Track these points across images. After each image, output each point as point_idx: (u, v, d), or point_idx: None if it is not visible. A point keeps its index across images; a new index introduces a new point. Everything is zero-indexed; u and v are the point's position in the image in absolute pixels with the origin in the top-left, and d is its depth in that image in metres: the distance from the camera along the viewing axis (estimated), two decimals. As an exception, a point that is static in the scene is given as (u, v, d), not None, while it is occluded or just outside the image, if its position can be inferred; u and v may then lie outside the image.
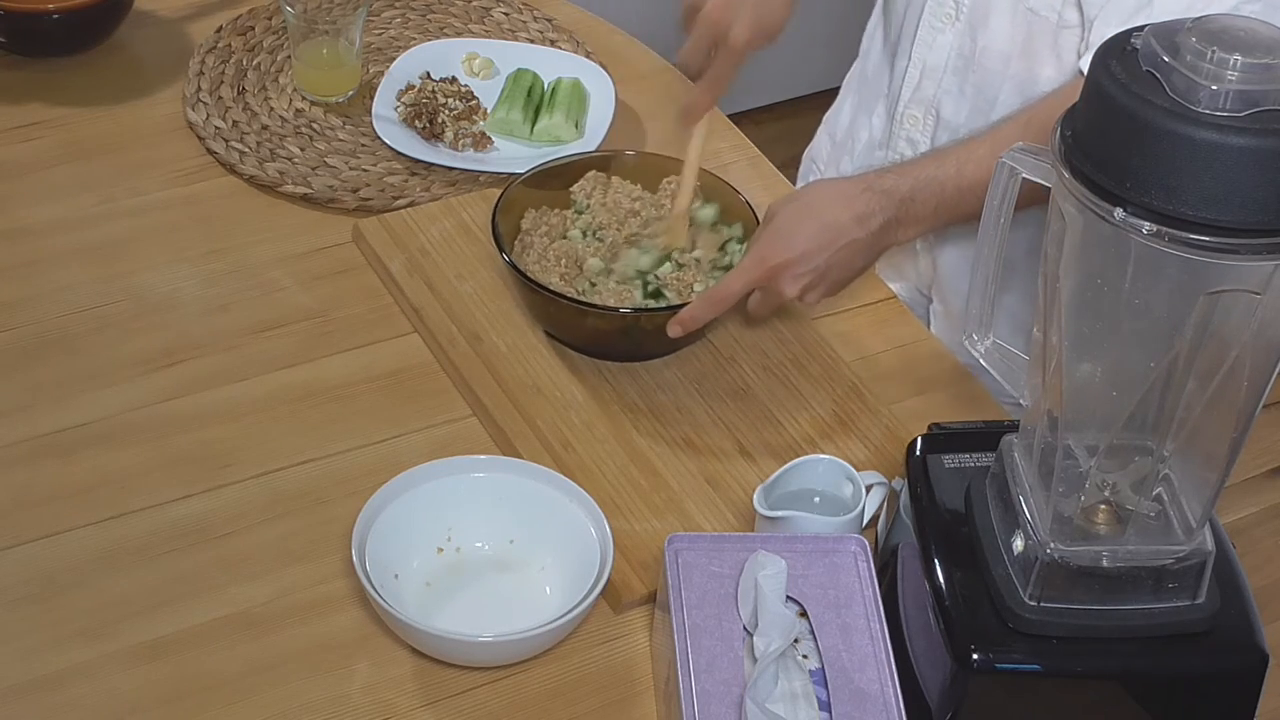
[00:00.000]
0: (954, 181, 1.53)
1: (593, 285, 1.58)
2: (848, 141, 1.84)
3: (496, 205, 1.61)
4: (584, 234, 1.62)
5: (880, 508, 1.45)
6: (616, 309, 1.54)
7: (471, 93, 1.88)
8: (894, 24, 1.76)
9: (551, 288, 1.55)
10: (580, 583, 1.35)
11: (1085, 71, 1.47)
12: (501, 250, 1.57)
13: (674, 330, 1.52)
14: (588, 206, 1.65)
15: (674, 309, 1.52)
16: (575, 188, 1.66)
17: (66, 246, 1.70)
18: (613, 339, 1.57)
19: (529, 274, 1.56)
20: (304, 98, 1.89)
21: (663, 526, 1.44)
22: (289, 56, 1.91)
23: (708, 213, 1.65)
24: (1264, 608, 1.27)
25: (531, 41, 1.99)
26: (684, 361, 1.60)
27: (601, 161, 1.69)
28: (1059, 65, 1.59)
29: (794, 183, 1.91)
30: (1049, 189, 1.19)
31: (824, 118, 1.93)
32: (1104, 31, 1.50)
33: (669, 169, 1.68)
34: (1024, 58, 1.61)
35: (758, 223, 1.60)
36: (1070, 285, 1.17)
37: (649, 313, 1.54)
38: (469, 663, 1.35)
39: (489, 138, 1.84)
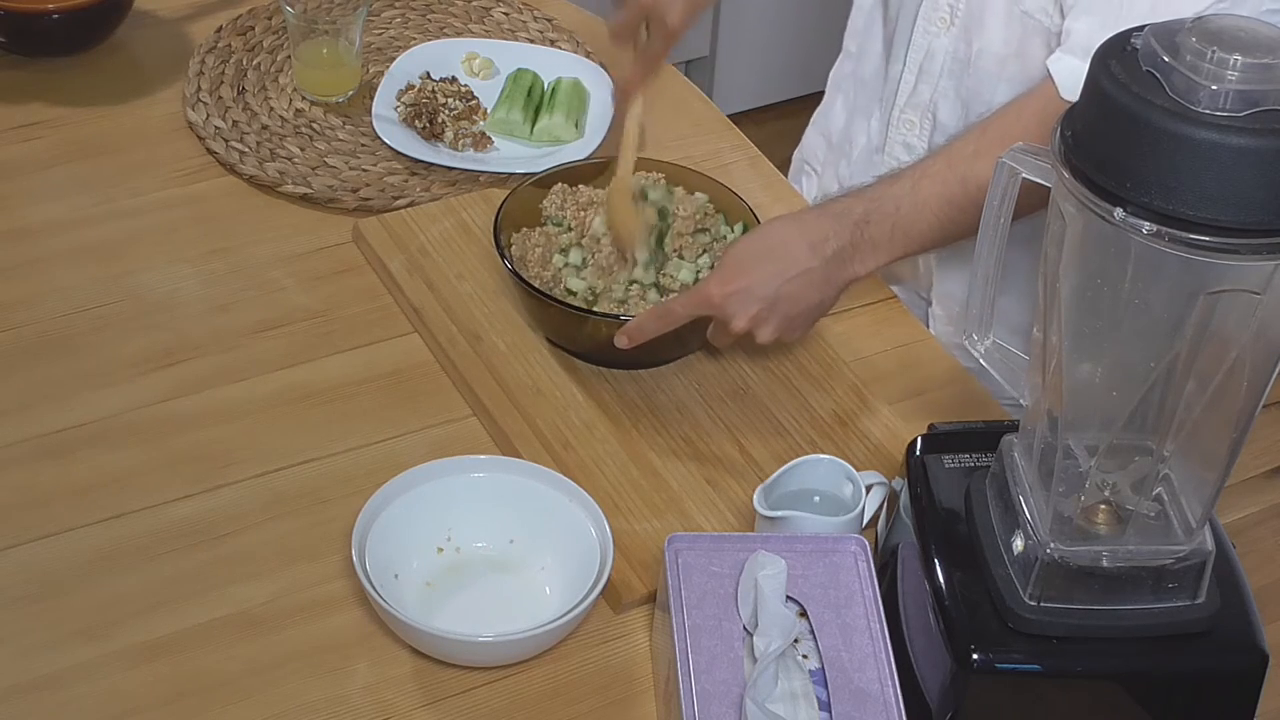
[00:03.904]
0: (909, 199, 1.50)
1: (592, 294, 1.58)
2: (844, 144, 1.84)
3: (499, 213, 1.61)
4: (582, 262, 1.60)
5: (880, 508, 1.45)
6: (618, 316, 1.54)
7: (471, 93, 1.88)
8: (888, 26, 1.75)
9: (553, 295, 1.54)
10: (580, 583, 1.35)
11: (1051, 69, 1.48)
12: (504, 257, 1.57)
13: (620, 341, 1.51)
14: (563, 220, 1.63)
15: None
16: (545, 203, 1.65)
17: (66, 246, 1.70)
18: (613, 347, 1.56)
19: (533, 272, 1.57)
20: (304, 98, 1.89)
21: (663, 526, 1.44)
22: (289, 56, 1.91)
23: (655, 194, 1.63)
24: (1264, 608, 1.27)
25: (531, 41, 1.99)
26: (684, 362, 1.60)
27: (604, 166, 1.69)
28: None
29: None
30: (1048, 189, 1.19)
31: (813, 117, 1.92)
32: (1070, 26, 1.50)
33: (666, 173, 1.68)
34: (1019, 60, 1.61)
35: (759, 223, 1.60)
36: (1070, 285, 1.17)
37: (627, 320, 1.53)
38: (469, 663, 1.35)
39: (489, 138, 1.84)
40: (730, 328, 1.51)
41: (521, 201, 1.64)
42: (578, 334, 1.56)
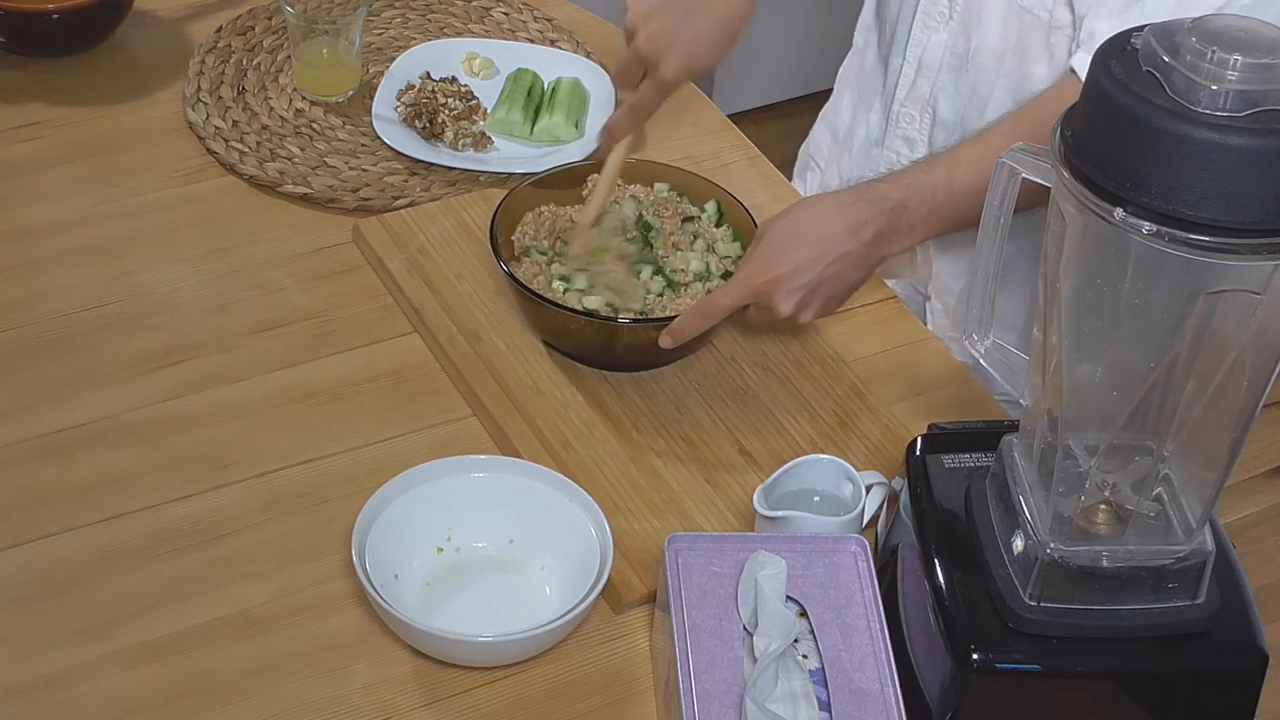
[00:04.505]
0: (945, 186, 1.52)
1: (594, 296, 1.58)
2: (848, 139, 1.84)
3: (495, 215, 1.60)
4: (589, 286, 1.59)
5: (880, 508, 1.45)
6: (613, 319, 1.54)
7: (471, 93, 1.88)
8: (888, 22, 1.76)
9: (551, 298, 1.54)
10: (580, 583, 1.35)
11: (1077, 69, 1.48)
12: (500, 259, 1.57)
13: (665, 341, 1.52)
14: (546, 248, 1.62)
15: (670, 320, 1.52)
16: (517, 235, 1.62)
17: (66, 246, 1.70)
18: (613, 351, 1.56)
19: (527, 283, 1.56)
20: (304, 98, 1.89)
21: (663, 526, 1.44)
22: (289, 56, 1.91)
23: (630, 208, 1.63)
24: (1264, 608, 1.27)
25: (531, 41, 1.99)
26: (684, 362, 1.60)
27: (599, 168, 1.69)
28: (1051, 63, 1.59)
29: (791, 178, 1.91)
30: (1049, 189, 1.19)
31: (821, 112, 1.92)
32: (1093, 27, 1.50)
33: (667, 174, 1.68)
34: (1017, 56, 1.61)
35: (755, 227, 1.60)
36: (1070, 285, 1.17)
37: (651, 323, 1.53)
38: (469, 663, 1.35)
39: (489, 138, 1.84)
40: (776, 313, 1.52)
41: (519, 204, 1.64)
42: (579, 338, 1.56)
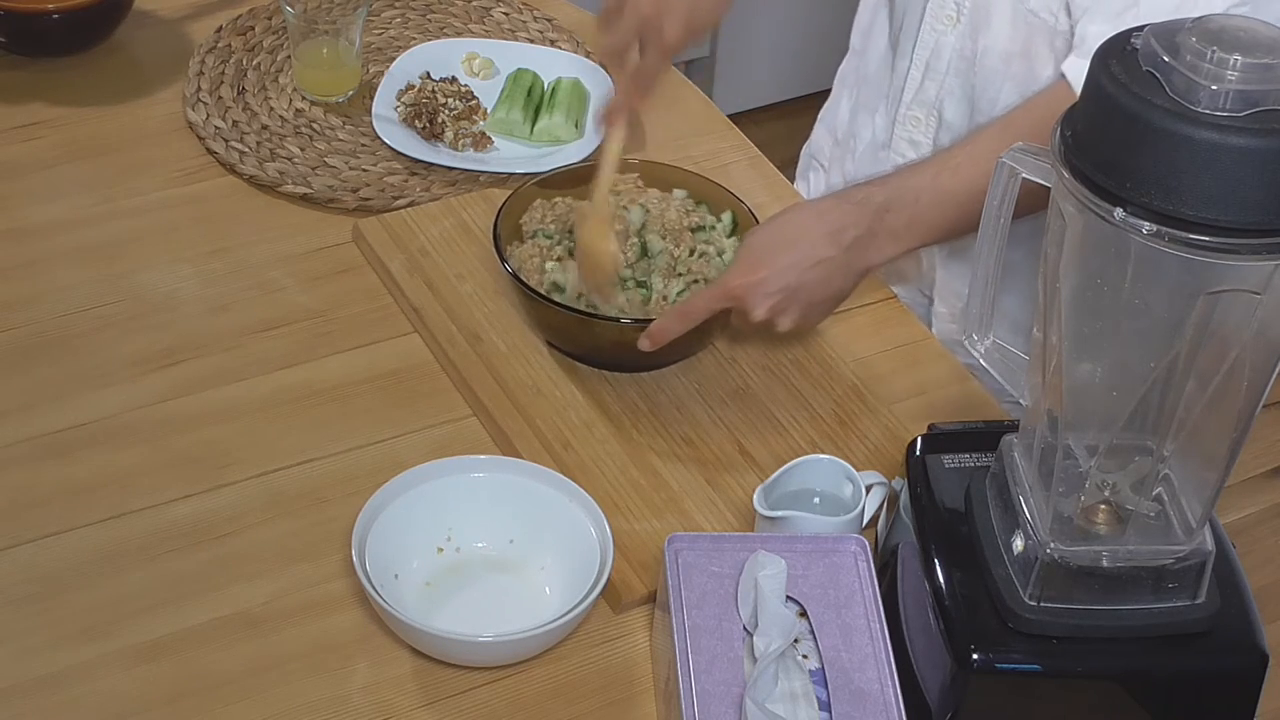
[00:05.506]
0: (930, 190, 1.51)
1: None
2: (849, 140, 1.84)
3: (498, 216, 1.60)
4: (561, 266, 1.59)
5: (880, 508, 1.45)
6: (614, 319, 1.54)
7: (471, 93, 1.88)
8: (894, 24, 1.76)
9: (553, 297, 1.54)
10: (580, 583, 1.35)
11: (1067, 74, 1.48)
12: (502, 259, 1.57)
13: (644, 344, 1.51)
14: (552, 232, 1.62)
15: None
16: (525, 219, 1.63)
17: (66, 246, 1.70)
18: (615, 350, 1.56)
19: (530, 283, 1.56)
20: (304, 98, 1.89)
21: (663, 526, 1.44)
22: (289, 56, 1.91)
23: (636, 215, 1.62)
24: (1264, 608, 1.27)
25: (531, 41, 1.99)
26: (684, 362, 1.60)
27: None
28: (1057, 67, 1.59)
29: (794, 179, 1.91)
30: (1048, 189, 1.19)
31: (820, 114, 1.92)
32: (1085, 31, 1.50)
33: (669, 174, 1.68)
34: (1024, 59, 1.61)
35: (743, 205, 1.60)
36: (1070, 285, 1.17)
37: (650, 323, 1.53)
38: (469, 663, 1.35)
39: (489, 138, 1.84)
40: (750, 318, 1.51)
41: (522, 203, 1.64)
42: (580, 338, 1.56)
